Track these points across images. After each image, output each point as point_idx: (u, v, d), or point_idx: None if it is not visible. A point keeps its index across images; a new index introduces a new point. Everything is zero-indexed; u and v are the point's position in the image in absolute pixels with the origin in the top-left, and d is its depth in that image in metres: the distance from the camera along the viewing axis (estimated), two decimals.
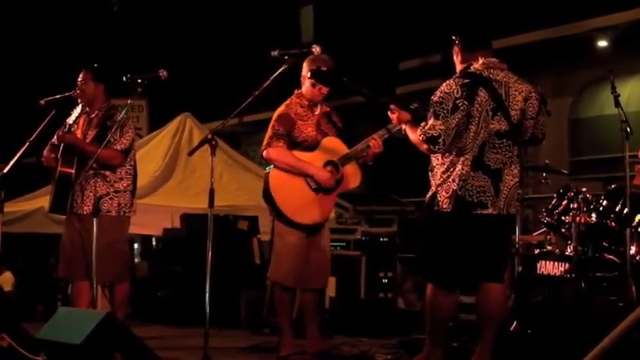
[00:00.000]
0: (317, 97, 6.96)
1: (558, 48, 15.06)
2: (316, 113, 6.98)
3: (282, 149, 6.76)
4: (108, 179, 7.47)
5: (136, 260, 13.03)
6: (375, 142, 6.76)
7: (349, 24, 20.05)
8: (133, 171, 7.70)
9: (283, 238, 6.83)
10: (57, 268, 7.87)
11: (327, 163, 6.83)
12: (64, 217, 7.67)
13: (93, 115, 7.69)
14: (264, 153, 6.83)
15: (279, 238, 6.89)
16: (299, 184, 6.75)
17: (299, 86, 7.05)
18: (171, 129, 12.55)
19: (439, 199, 5.80)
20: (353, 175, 6.97)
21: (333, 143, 6.94)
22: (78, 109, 7.70)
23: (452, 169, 5.76)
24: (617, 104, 7.00)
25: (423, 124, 5.77)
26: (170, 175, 11.84)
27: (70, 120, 7.68)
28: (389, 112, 6.36)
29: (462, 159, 5.73)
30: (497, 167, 5.74)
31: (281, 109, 6.93)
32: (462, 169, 5.72)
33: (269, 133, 6.83)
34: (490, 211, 5.72)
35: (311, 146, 6.85)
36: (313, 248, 6.89)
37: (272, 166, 6.83)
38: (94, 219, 6.90)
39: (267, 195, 6.80)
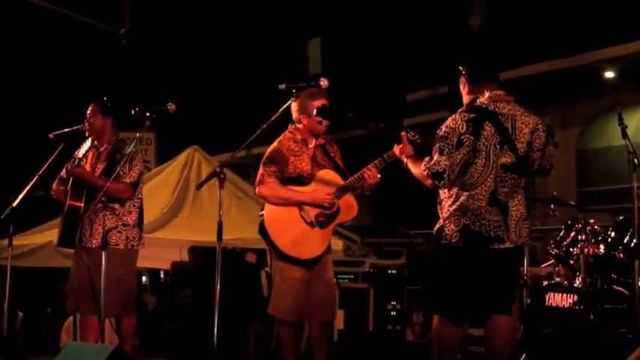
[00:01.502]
0: (320, 132, 6.97)
1: (565, 79, 15.07)
2: (310, 147, 6.96)
3: (273, 184, 6.75)
4: (116, 212, 7.48)
5: (144, 293, 13.01)
6: (370, 173, 6.74)
7: (357, 56, 20.10)
8: (140, 204, 7.72)
9: (282, 273, 6.81)
10: (65, 302, 7.87)
11: None
12: (72, 250, 7.68)
13: (102, 149, 7.71)
14: (257, 190, 6.84)
15: (278, 273, 6.87)
16: (294, 219, 6.74)
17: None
18: (180, 162, 12.56)
19: (447, 232, 5.79)
20: (349, 207, 6.95)
21: (329, 175, 6.92)
22: (87, 143, 7.71)
23: (459, 203, 5.76)
24: (625, 136, 7.01)
25: (427, 159, 5.77)
26: (179, 209, 11.84)
27: (80, 154, 7.69)
28: (395, 145, 6.36)
29: (471, 193, 5.72)
30: (505, 200, 5.75)
31: (273, 145, 6.92)
32: (474, 203, 5.72)
33: (261, 170, 6.81)
34: (507, 244, 5.73)
35: (306, 180, 6.85)
36: (317, 281, 6.86)
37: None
38: (103, 252, 6.91)
39: (262, 231, 6.79)
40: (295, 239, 6.73)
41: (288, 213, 6.74)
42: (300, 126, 6.96)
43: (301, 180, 6.83)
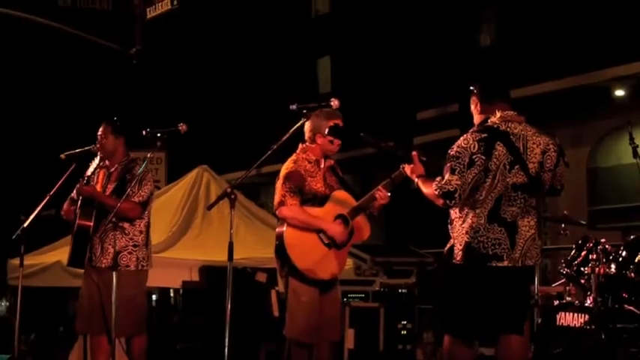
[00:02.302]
0: (333, 152, 6.97)
1: (576, 97, 15.09)
2: (322, 167, 6.97)
3: (295, 207, 6.72)
4: (127, 232, 7.48)
5: (155, 313, 13.01)
6: (381, 194, 6.74)
7: (367, 74, 20.16)
8: (148, 223, 7.72)
9: (298, 295, 6.78)
10: (75, 322, 7.87)
11: (337, 217, 6.83)
12: (82, 270, 7.68)
13: (112, 169, 7.72)
14: (278, 212, 6.79)
15: (293, 294, 6.82)
16: (312, 240, 6.74)
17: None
18: (188, 182, 12.57)
19: (455, 251, 5.80)
20: (363, 227, 6.95)
21: (342, 196, 6.92)
22: (96, 161, 7.73)
23: (466, 222, 5.77)
24: (636, 155, 7.00)
25: (438, 178, 5.77)
26: (187, 229, 11.83)
27: (89, 172, 7.71)
28: (405, 164, 6.36)
29: (476, 211, 5.73)
30: (513, 220, 5.74)
31: (290, 165, 6.86)
32: (475, 220, 5.73)
33: (281, 191, 6.76)
34: (505, 263, 5.71)
35: (320, 201, 6.85)
36: (326, 301, 6.86)
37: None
38: (114, 273, 6.91)
39: (281, 252, 6.77)
40: (315, 261, 6.72)
41: (308, 235, 6.73)
42: (313, 146, 6.95)
43: (316, 201, 6.84)
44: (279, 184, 6.81)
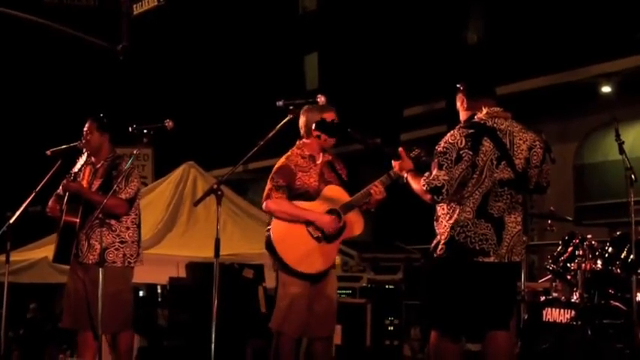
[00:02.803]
0: (328, 146, 6.98)
1: (562, 94, 15.12)
2: (318, 163, 6.96)
3: (281, 200, 6.75)
4: (113, 228, 7.46)
5: (141, 309, 12.99)
6: (376, 189, 6.74)
7: (354, 71, 20.16)
8: (138, 220, 7.70)
9: (286, 288, 6.80)
10: (61, 318, 7.85)
11: (329, 212, 6.82)
12: (67, 267, 7.66)
13: (98, 166, 7.70)
14: (264, 205, 6.83)
15: (282, 287, 6.85)
16: (301, 234, 6.74)
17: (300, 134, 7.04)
18: (175, 178, 12.56)
19: (440, 246, 5.81)
20: (355, 223, 6.95)
21: (335, 191, 6.92)
22: (83, 158, 7.70)
23: (453, 217, 5.77)
24: (622, 152, 7.01)
25: (427, 174, 5.78)
26: (174, 225, 11.83)
27: (75, 168, 7.69)
28: (392, 160, 6.36)
29: (463, 207, 5.74)
30: (500, 215, 5.75)
31: (281, 160, 6.91)
32: (462, 216, 5.73)
33: (268, 185, 6.81)
34: (492, 259, 5.72)
35: (312, 196, 6.85)
36: (318, 296, 6.86)
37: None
38: (100, 270, 6.89)
39: (269, 246, 6.79)
40: (302, 254, 6.74)
41: (296, 228, 6.75)
42: (308, 141, 6.96)
43: (308, 196, 6.84)
44: (269, 178, 6.84)
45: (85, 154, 7.70)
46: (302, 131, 6.96)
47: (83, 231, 7.45)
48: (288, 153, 6.97)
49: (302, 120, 6.89)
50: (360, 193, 6.84)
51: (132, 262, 7.55)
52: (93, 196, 7.41)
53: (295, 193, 6.81)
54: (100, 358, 7.04)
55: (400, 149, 6.27)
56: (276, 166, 6.90)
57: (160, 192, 12.44)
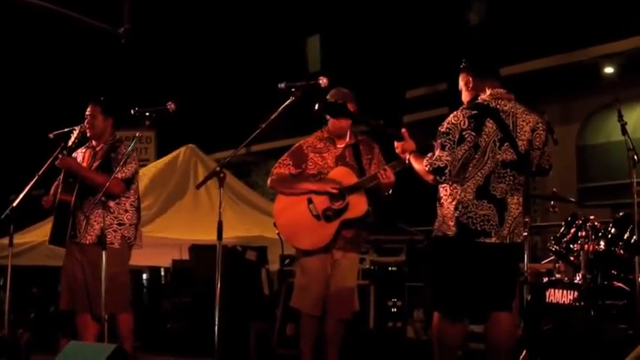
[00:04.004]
0: (338, 130, 7.05)
1: (565, 75, 15.07)
2: (339, 146, 7.05)
3: (281, 174, 6.92)
4: (112, 210, 7.47)
5: (145, 291, 13.01)
6: (383, 174, 6.76)
7: (356, 53, 20.09)
8: (137, 204, 7.71)
9: (302, 267, 7.01)
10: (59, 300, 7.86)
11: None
12: (63, 248, 7.66)
13: (98, 148, 7.72)
14: (269, 181, 7.07)
15: (299, 267, 7.06)
16: (300, 210, 6.89)
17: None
18: (175, 160, 12.56)
19: (444, 227, 5.81)
20: (358, 204, 6.98)
21: (342, 172, 6.98)
22: (76, 131, 7.69)
23: (455, 198, 5.77)
24: (624, 132, 7.00)
25: (429, 154, 5.78)
26: (175, 207, 11.83)
27: (70, 142, 7.67)
28: (395, 141, 6.36)
29: (465, 187, 5.74)
30: (502, 196, 5.76)
31: (299, 142, 7.14)
32: (464, 196, 5.73)
33: (277, 163, 6.98)
34: (493, 240, 5.72)
35: (324, 177, 6.93)
36: (336, 278, 6.95)
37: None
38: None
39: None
40: (297, 229, 6.94)
41: (296, 204, 6.91)
42: (330, 124, 7.13)
43: (319, 176, 6.93)
44: None
45: (78, 129, 7.69)
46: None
47: (82, 211, 7.45)
48: (313, 135, 7.18)
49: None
50: (366, 177, 6.89)
51: (130, 244, 7.57)
52: (87, 173, 7.44)
53: (307, 174, 6.90)
54: (104, 341, 7.03)
55: (403, 130, 6.28)
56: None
57: (159, 174, 12.43)
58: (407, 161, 6.17)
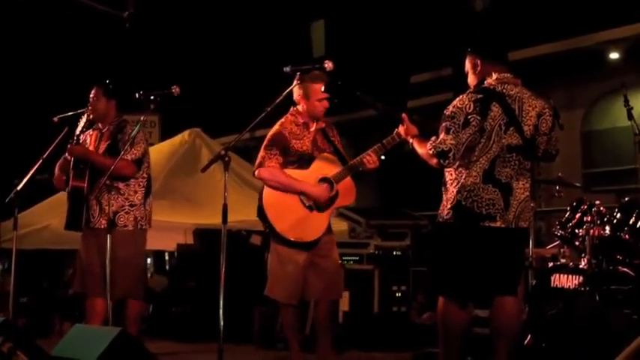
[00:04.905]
0: (320, 113, 6.95)
1: (570, 60, 15.06)
2: (311, 130, 6.95)
3: (273, 169, 6.74)
4: (122, 192, 7.47)
5: (150, 275, 13.02)
6: (369, 158, 6.72)
7: (360, 38, 20.08)
8: (147, 183, 7.70)
9: (280, 256, 6.83)
10: (73, 283, 7.86)
11: (322, 180, 6.82)
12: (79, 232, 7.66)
13: (104, 130, 7.72)
14: (256, 172, 6.82)
15: (275, 255, 6.88)
16: (292, 202, 6.74)
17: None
18: (179, 143, 12.54)
19: (447, 211, 5.79)
20: (348, 192, 6.94)
21: (327, 160, 6.92)
22: (83, 119, 7.70)
23: (460, 182, 5.76)
24: (631, 117, 6.99)
25: (433, 138, 5.76)
26: (180, 191, 11.82)
27: (77, 130, 7.68)
28: (400, 125, 6.36)
29: (470, 172, 5.72)
30: (508, 181, 5.74)
31: (275, 127, 6.91)
32: (469, 180, 5.71)
33: (261, 152, 6.81)
34: (498, 224, 5.71)
35: (305, 164, 6.84)
36: (322, 262, 6.86)
37: None
38: (108, 235, 6.89)
39: (260, 213, 6.80)
40: (294, 222, 6.75)
41: (288, 196, 6.75)
42: (300, 108, 6.95)
43: (301, 163, 6.84)
44: (262, 145, 6.83)
45: (86, 116, 7.70)
46: (295, 97, 6.94)
47: (93, 195, 7.46)
48: (282, 120, 6.96)
49: (297, 88, 6.85)
50: (352, 162, 6.84)
51: (143, 225, 7.58)
52: (98, 158, 7.44)
53: (289, 160, 6.81)
54: (110, 324, 7.02)
55: (403, 114, 6.27)
56: (270, 133, 6.90)
57: (163, 157, 12.40)
58: (410, 145, 6.16)
